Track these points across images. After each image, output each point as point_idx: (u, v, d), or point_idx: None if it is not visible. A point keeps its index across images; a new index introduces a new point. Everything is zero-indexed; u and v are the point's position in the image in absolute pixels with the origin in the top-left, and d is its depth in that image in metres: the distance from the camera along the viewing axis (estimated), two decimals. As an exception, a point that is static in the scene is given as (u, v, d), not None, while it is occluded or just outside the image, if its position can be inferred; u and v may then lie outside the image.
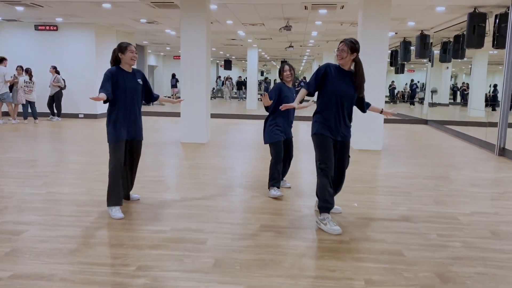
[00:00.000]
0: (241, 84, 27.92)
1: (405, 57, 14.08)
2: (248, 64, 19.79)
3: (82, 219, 3.89)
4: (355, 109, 3.95)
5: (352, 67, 3.80)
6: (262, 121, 5.08)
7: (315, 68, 26.70)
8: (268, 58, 29.20)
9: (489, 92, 18.77)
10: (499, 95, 11.03)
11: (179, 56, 23.21)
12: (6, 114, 11.83)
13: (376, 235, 3.63)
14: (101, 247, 3.27)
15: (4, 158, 6.65)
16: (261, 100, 4.74)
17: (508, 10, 8.14)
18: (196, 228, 3.71)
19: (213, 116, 11.23)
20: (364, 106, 4.01)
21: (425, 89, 18.01)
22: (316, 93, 3.86)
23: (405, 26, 11.82)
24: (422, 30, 12.34)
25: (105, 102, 3.94)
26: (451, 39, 12.02)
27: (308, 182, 5.47)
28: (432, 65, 15.41)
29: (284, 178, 5.18)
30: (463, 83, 22.13)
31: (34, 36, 13.03)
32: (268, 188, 4.82)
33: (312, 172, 5.59)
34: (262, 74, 38.11)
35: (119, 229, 3.67)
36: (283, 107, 3.88)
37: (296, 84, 26.14)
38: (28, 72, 11.49)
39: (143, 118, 4.38)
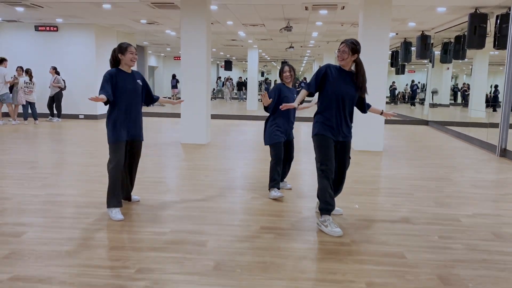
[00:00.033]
0: (242, 85, 27.91)
1: (406, 57, 14.06)
2: (249, 64, 19.78)
3: (82, 221, 3.87)
4: (355, 110, 3.94)
5: (353, 68, 3.79)
6: (263, 122, 5.06)
7: (315, 68, 26.69)
8: (268, 58, 29.20)
9: (490, 93, 18.75)
10: (500, 96, 11.01)
11: (179, 57, 23.19)
12: (6, 115, 11.82)
13: (378, 237, 3.61)
14: (101, 249, 3.25)
15: (4, 159, 6.63)
16: (261, 101, 4.72)
17: (509, 10, 8.13)
18: (196, 230, 3.69)
19: (214, 117, 11.22)
20: (365, 107, 3.99)
21: (425, 90, 17.98)
22: (317, 94, 3.84)
23: (406, 26, 11.80)
24: (422, 31, 12.32)
25: (105, 103, 3.93)
26: (452, 40, 12.01)
27: (308, 183, 5.45)
28: (432, 66, 15.39)
29: (284, 179, 5.16)
30: (464, 83, 22.11)
31: (34, 37, 13.02)
32: (269, 189, 4.80)
33: (313, 173, 5.57)
34: (262, 74, 38.11)
35: (119, 231, 3.65)
36: (284, 106, 3.85)
37: (297, 84, 26.15)
38: (28, 72, 11.48)
39: (143, 119, 4.35)
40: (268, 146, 4.82)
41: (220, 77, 32.40)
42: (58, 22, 12.62)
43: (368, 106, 4.03)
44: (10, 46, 13.01)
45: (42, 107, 12.21)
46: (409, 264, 3.09)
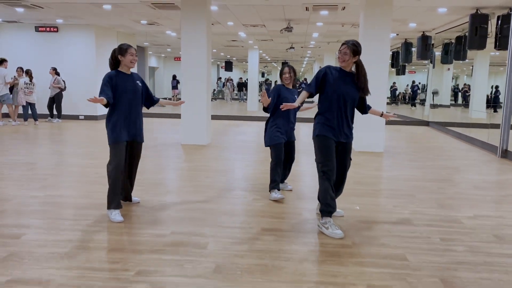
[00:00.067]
0: (242, 86, 27.91)
1: (407, 58, 14.04)
2: (249, 65, 19.76)
3: (81, 223, 3.85)
4: (355, 111, 3.91)
5: (353, 69, 3.77)
6: (263, 123, 5.03)
7: (315, 69, 26.67)
8: (269, 59, 29.17)
9: (491, 94, 18.72)
10: (502, 97, 10.99)
11: (180, 58, 23.20)
12: (6, 115, 11.81)
13: (379, 239, 3.59)
14: (100, 252, 3.23)
15: (3, 160, 6.62)
16: (261, 101, 4.70)
17: (510, 11, 8.11)
18: (196, 232, 3.67)
19: (214, 117, 11.19)
20: (365, 107, 3.97)
21: (426, 91, 17.95)
22: (318, 96, 3.83)
23: (407, 27, 11.78)
24: (423, 31, 12.30)
25: (106, 106, 3.91)
26: (453, 41, 11.98)
27: (309, 185, 5.43)
28: (433, 67, 15.36)
29: (285, 181, 5.14)
30: (465, 84, 22.09)
31: (35, 38, 13.01)
32: (269, 190, 4.78)
33: (313, 174, 5.53)
34: (263, 75, 38.11)
35: (118, 233, 3.63)
36: (285, 106, 3.82)
37: (297, 85, 26.11)
38: (29, 73, 11.47)
39: (144, 120, 4.32)
40: (268, 147, 4.80)
41: (220, 78, 32.39)
42: (58, 22, 12.61)
43: (369, 107, 4.01)
44: (10, 47, 13.00)
45: (42, 108, 12.20)
46: (411, 266, 3.07)
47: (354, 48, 3.63)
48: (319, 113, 3.81)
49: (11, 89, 11.32)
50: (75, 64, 12.89)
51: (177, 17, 10.61)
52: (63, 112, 12.54)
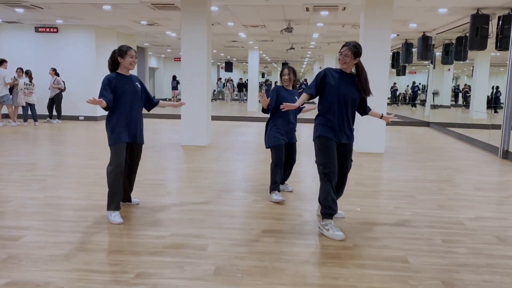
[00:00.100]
0: (242, 86, 27.89)
1: (407, 59, 14.01)
2: (249, 66, 19.75)
3: (80, 224, 3.83)
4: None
5: (353, 70, 3.76)
6: (263, 123, 5.02)
7: (316, 70, 26.65)
8: (269, 60, 29.16)
9: (492, 94, 18.70)
10: (502, 97, 10.97)
11: (180, 58, 23.19)
12: (6, 116, 11.80)
13: (380, 241, 3.56)
14: (99, 254, 3.20)
15: (3, 161, 6.60)
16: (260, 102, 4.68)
17: None
18: (196, 234, 3.65)
19: (214, 118, 11.18)
20: (366, 108, 3.95)
21: (426, 91, 17.93)
22: (318, 98, 3.81)
23: (407, 27, 11.77)
24: (424, 32, 12.28)
25: (105, 109, 3.89)
26: (453, 41, 11.96)
27: (310, 186, 5.40)
28: (434, 67, 15.35)
29: (285, 182, 5.11)
30: (465, 85, 22.06)
31: (34, 38, 13.00)
32: (270, 192, 4.75)
33: (314, 175, 5.52)
34: (263, 76, 38.09)
35: (118, 235, 3.61)
36: (286, 106, 3.79)
37: (298, 85, 26.09)
38: (28, 74, 11.46)
39: (144, 120, 4.29)
40: (269, 148, 4.77)
41: (220, 78, 32.38)
42: (58, 23, 12.60)
43: (369, 109, 4.00)
44: (10, 48, 12.99)
45: (42, 108, 12.18)
46: (412, 268, 3.04)
47: (356, 50, 3.62)
48: (320, 114, 3.79)
49: (11, 90, 11.30)
50: (75, 65, 12.88)
51: (177, 17, 10.59)
52: (63, 113, 12.53)
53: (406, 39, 13.85)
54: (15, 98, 11.34)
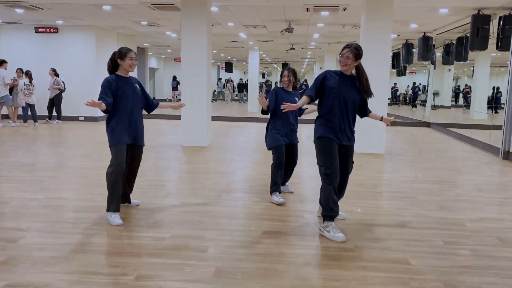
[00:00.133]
0: (242, 87, 27.86)
1: (408, 59, 14.00)
2: (249, 66, 19.73)
3: (80, 226, 3.81)
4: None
5: (353, 72, 3.75)
6: (264, 124, 5.01)
7: (316, 70, 26.61)
8: (269, 60, 29.14)
9: (492, 95, 18.68)
10: (503, 98, 10.95)
11: (180, 59, 23.17)
12: (6, 117, 11.78)
13: (381, 243, 3.54)
14: (99, 255, 3.19)
15: (3, 161, 6.58)
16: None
17: (512, 12, 8.07)
18: (196, 235, 3.63)
19: (214, 118, 11.16)
20: (366, 110, 3.93)
21: (427, 92, 17.90)
22: (318, 101, 3.79)
23: (408, 28, 11.75)
24: (424, 32, 12.27)
25: (105, 112, 3.87)
26: (454, 41, 11.94)
27: (310, 187, 5.38)
28: (434, 68, 15.33)
29: (286, 183, 5.09)
30: (466, 85, 22.05)
31: (34, 39, 12.98)
32: (270, 193, 4.73)
33: (315, 176, 5.50)
34: (263, 76, 38.06)
35: (118, 236, 3.59)
36: (287, 106, 3.76)
37: (298, 86, 26.06)
38: (28, 74, 11.44)
39: (144, 121, 4.27)
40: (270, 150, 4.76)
41: (220, 79, 32.36)
42: (58, 23, 12.59)
43: (369, 111, 3.98)
44: (10, 48, 12.97)
45: (42, 109, 12.16)
46: (414, 270, 3.02)
47: (357, 52, 3.60)
48: (320, 115, 3.76)
49: (11, 90, 11.29)
50: (75, 65, 12.86)
51: (177, 18, 10.58)
52: (63, 114, 12.51)
53: (406, 40, 13.84)
54: (15, 99, 11.32)
